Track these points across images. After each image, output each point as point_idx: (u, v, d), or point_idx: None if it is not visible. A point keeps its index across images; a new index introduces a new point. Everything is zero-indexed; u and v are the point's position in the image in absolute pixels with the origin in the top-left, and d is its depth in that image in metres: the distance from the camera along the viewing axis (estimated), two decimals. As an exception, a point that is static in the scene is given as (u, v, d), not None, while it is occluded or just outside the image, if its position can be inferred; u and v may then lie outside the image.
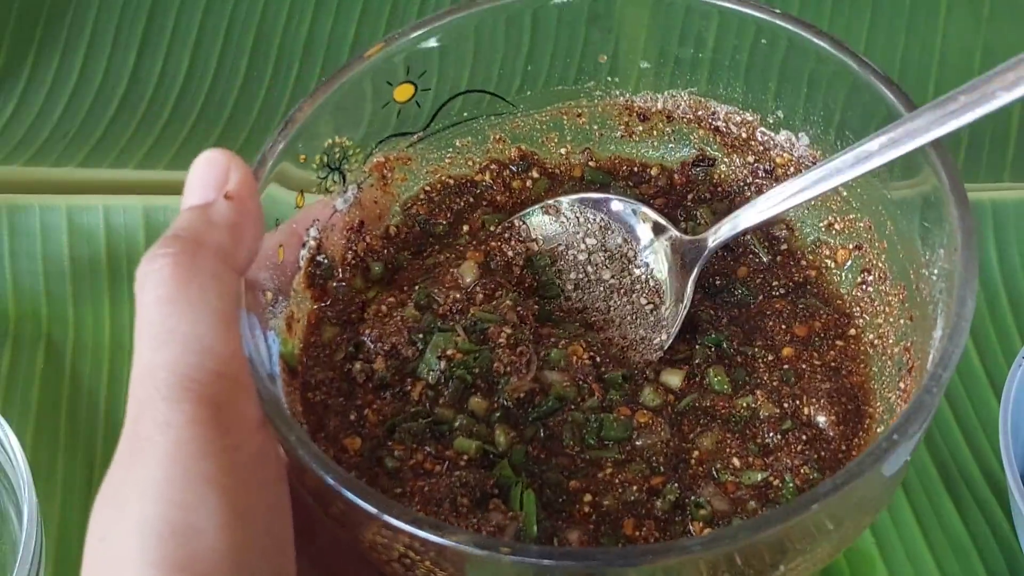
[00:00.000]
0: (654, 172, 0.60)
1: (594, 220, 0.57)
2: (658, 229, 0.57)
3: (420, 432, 0.50)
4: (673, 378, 0.53)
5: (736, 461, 0.50)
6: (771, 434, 0.51)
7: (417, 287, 0.55)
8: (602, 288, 0.57)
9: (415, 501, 0.48)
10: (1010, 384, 0.74)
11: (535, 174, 0.60)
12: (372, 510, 0.42)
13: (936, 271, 0.50)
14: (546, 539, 0.47)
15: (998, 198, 0.89)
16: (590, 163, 0.61)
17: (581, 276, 0.57)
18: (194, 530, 0.40)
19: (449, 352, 0.52)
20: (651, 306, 0.56)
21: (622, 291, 0.57)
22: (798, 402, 0.52)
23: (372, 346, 0.53)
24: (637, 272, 0.57)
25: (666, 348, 0.55)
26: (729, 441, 0.51)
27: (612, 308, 0.57)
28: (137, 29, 0.98)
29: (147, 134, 0.92)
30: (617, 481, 0.50)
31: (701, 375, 0.53)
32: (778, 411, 0.52)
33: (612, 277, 0.57)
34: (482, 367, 0.52)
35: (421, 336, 0.53)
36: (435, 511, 0.47)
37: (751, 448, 0.51)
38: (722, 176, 0.60)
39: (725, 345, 0.54)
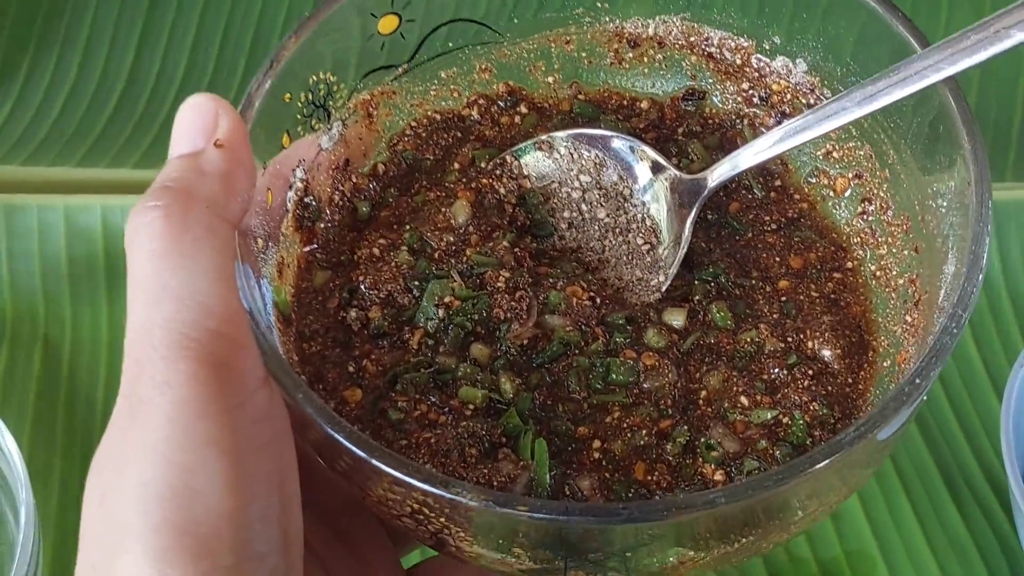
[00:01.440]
0: (644, 105, 0.59)
1: (589, 157, 0.56)
2: (656, 168, 0.55)
3: (423, 382, 0.49)
4: (676, 318, 0.52)
5: (744, 400, 0.49)
6: (777, 370, 0.50)
7: (408, 229, 0.53)
8: (597, 227, 0.55)
9: (422, 453, 0.47)
10: (1011, 384, 0.74)
11: (523, 109, 0.59)
12: (387, 469, 0.41)
13: (945, 204, 0.49)
14: (557, 487, 0.47)
15: (1000, 198, 0.88)
16: (579, 96, 0.59)
17: (575, 215, 0.56)
18: (196, 492, 0.39)
19: (447, 300, 0.51)
20: (648, 246, 0.55)
21: (618, 231, 0.55)
22: (801, 336, 0.51)
23: (367, 294, 0.52)
24: (633, 211, 0.55)
25: (664, 289, 0.54)
26: (736, 379, 0.50)
27: (608, 248, 0.55)
28: (135, 28, 0.97)
29: (145, 134, 0.92)
30: (625, 426, 0.49)
31: (703, 311, 0.52)
32: (782, 345, 0.51)
33: (607, 216, 0.56)
34: (481, 314, 0.51)
35: (417, 284, 0.52)
36: (443, 463, 0.46)
37: (758, 386, 0.50)
38: (714, 108, 0.59)
39: (723, 279, 0.53)
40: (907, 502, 0.78)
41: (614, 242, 0.55)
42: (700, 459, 0.48)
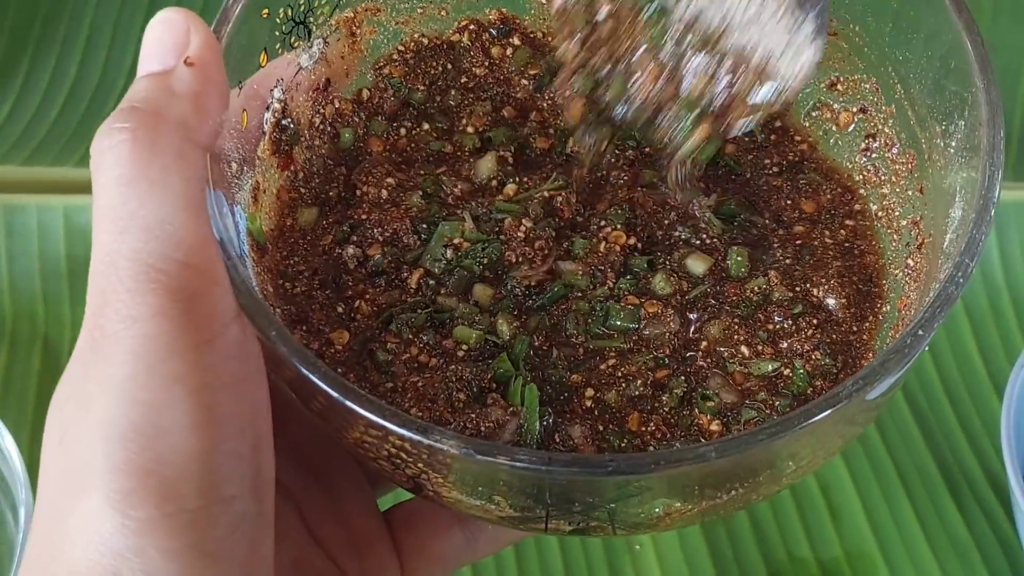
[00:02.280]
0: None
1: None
2: None
3: (419, 323, 0.47)
4: (699, 264, 0.50)
5: (745, 350, 0.48)
6: (781, 319, 0.48)
7: (424, 174, 0.51)
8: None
9: (408, 397, 0.45)
10: (1012, 384, 0.74)
11: (516, 40, 0.56)
12: (362, 411, 0.39)
13: (954, 144, 0.46)
14: (547, 435, 0.45)
15: (1000, 198, 0.88)
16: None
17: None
18: (161, 432, 0.37)
19: (456, 241, 0.49)
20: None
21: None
22: (809, 284, 0.49)
23: (371, 231, 0.50)
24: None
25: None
26: (738, 328, 0.48)
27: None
28: (134, 28, 0.97)
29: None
30: (620, 374, 0.47)
31: (723, 256, 0.50)
32: (790, 295, 0.49)
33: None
34: (491, 257, 0.49)
35: (425, 227, 0.50)
36: (429, 407, 0.45)
37: (760, 335, 0.48)
38: None
39: (740, 219, 0.51)
40: (908, 502, 0.78)
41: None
42: (696, 410, 0.47)
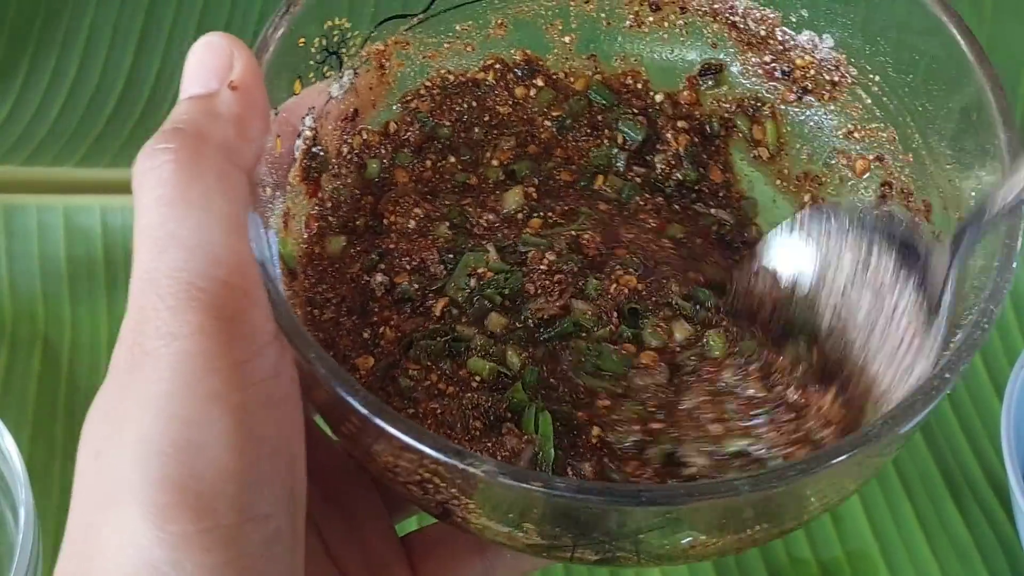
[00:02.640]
0: (658, 99, 0.57)
1: None
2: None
3: (438, 350, 0.48)
4: (680, 331, 0.50)
5: (716, 427, 0.48)
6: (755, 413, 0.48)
7: (450, 205, 0.52)
8: None
9: (428, 423, 0.46)
10: (1012, 385, 0.74)
11: (539, 82, 0.57)
12: (399, 435, 0.39)
13: (973, 192, 0.47)
14: (559, 467, 0.46)
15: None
16: (596, 75, 0.58)
17: None
18: (199, 448, 0.37)
19: (480, 270, 0.50)
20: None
21: None
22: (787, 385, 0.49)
23: (399, 260, 0.50)
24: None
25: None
26: (708, 405, 0.48)
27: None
28: (135, 27, 0.97)
29: (145, 133, 0.91)
30: (614, 418, 0.47)
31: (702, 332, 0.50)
32: (762, 394, 0.49)
33: None
34: (512, 287, 0.50)
35: (451, 256, 0.51)
36: (447, 434, 0.45)
37: (731, 413, 0.48)
38: (734, 87, 0.57)
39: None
40: (908, 503, 0.78)
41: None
42: (683, 469, 0.47)
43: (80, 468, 0.40)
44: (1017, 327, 0.85)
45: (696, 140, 0.56)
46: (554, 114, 0.57)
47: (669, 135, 0.56)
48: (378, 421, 0.40)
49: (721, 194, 0.56)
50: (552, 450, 0.45)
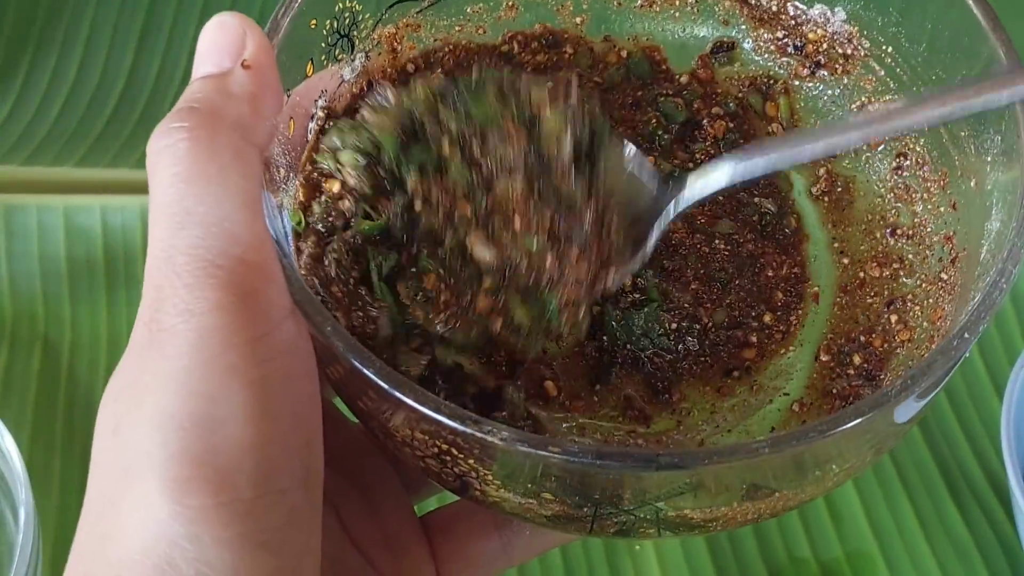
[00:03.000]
0: (684, 80, 0.57)
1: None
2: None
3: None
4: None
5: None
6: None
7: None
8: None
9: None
10: (1012, 384, 0.74)
11: (569, 49, 0.56)
12: (416, 405, 0.39)
13: (990, 158, 0.47)
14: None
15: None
16: (621, 50, 0.57)
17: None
18: (217, 422, 0.37)
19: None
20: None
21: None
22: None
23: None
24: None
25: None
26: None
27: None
28: (135, 28, 0.97)
29: (145, 133, 0.91)
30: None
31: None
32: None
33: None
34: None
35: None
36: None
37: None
38: (747, 61, 0.56)
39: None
40: (908, 502, 0.78)
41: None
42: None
43: (98, 445, 0.40)
44: (1017, 327, 0.85)
45: (731, 126, 0.55)
46: (595, 79, 0.56)
47: (705, 121, 0.56)
48: (395, 392, 0.40)
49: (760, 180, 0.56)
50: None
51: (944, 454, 0.80)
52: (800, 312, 0.52)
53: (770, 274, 0.53)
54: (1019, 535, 0.75)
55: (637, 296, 0.51)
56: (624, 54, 0.57)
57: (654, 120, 0.56)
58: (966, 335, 0.42)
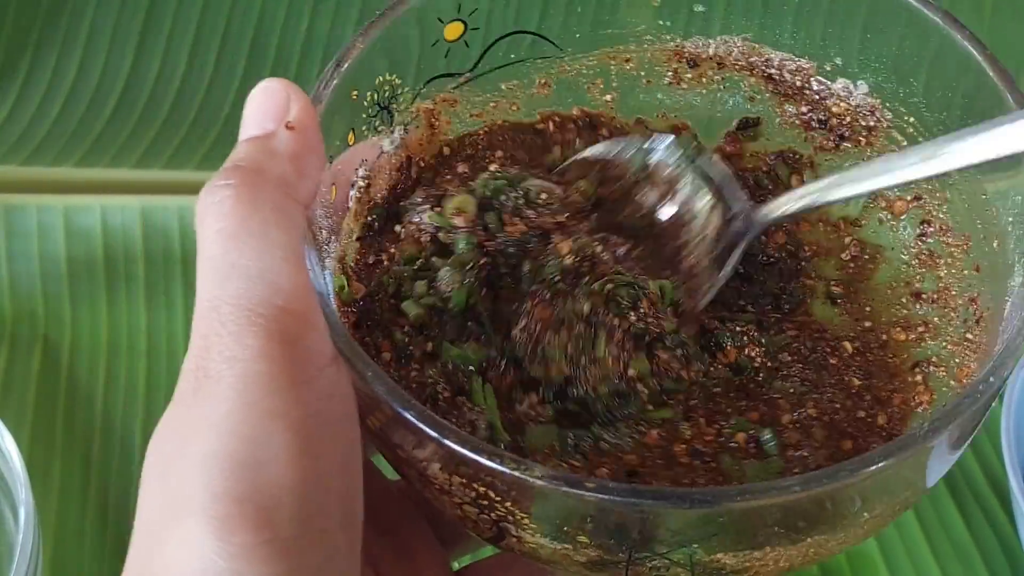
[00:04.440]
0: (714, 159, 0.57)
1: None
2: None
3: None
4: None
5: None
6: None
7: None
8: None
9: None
10: (1012, 385, 0.74)
11: (604, 132, 0.58)
12: (454, 446, 0.40)
13: (1011, 218, 0.48)
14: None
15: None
16: (652, 132, 0.58)
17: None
18: (260, 464, 0.38)
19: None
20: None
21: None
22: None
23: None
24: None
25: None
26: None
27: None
28: (135, 28, 0.97)
29: (145, 133, 0.92)
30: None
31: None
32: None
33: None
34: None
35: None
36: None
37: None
38: (773, 135, 0.57)
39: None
40: (908, 503, 0.78)
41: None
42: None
43: (145, 487, 0.41)
44: (1017, 327, 0.85)
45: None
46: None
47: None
48: (434, 433, 0.41)
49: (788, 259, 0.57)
50: (497, 419, 0.46)
51: (944, 454, 0.80)
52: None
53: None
54: (1019, 535, 0.75)
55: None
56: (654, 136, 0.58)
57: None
58: (991, 379, 0.42)
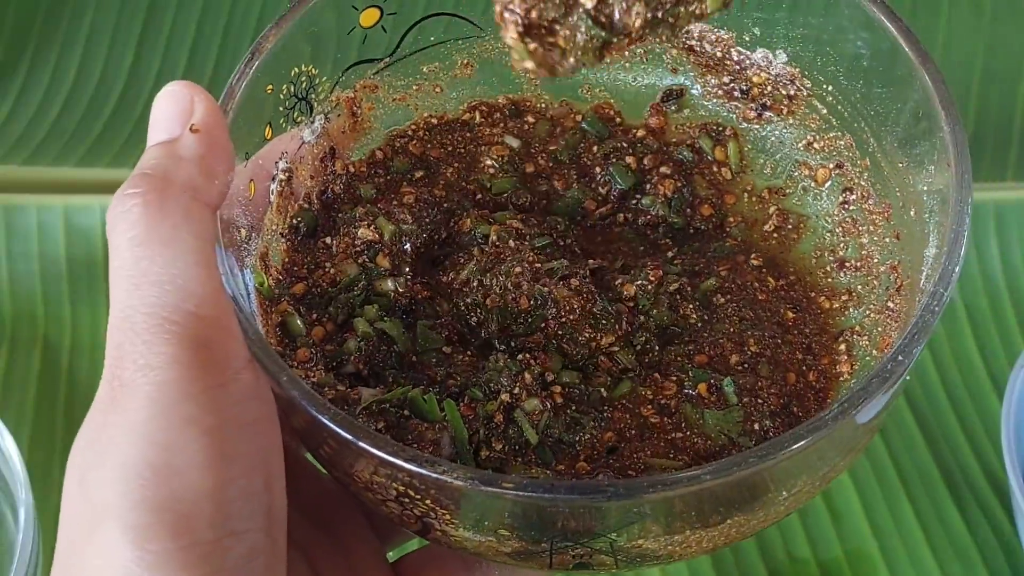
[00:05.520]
0: (640, 134, 0.58)
1: None
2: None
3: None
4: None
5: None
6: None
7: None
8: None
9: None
10: (1012, 384, 0.74)
11: (530, 119, 0.58)
12: (374, 450, 0.41)
13: (926, 187, 0.49)
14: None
15: (1000, 198, 0.88)
16: (576, 115, 0.59)
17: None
18: (175, 471, 0.39)
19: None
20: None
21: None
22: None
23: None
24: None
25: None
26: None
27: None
28: (135, 28, 0.97)
29: (145, 133, 0.91)
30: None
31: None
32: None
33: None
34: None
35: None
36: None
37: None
38: (697, 106, 0.58)
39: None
40: (907, 502, 0.78)
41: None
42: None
43: (66, 497, 0.41)
44: (1018, 327, 0.85)
45: (680, 184, 0.57)
46: (551, 148, 0.58)
47: (655, 180, 0.57)
48: (350, 437, 0.41)
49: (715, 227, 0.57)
50: (464, 431, 0.46)
51: (944, 454, 0.80)
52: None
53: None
54: (1019, 535, 0.75)
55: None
56: (579, 118, 0.59)
57: (604, 187, 0.57)
58: (900, 358, 0.43)
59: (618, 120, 0.59)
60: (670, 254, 0.54)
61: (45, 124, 0.93)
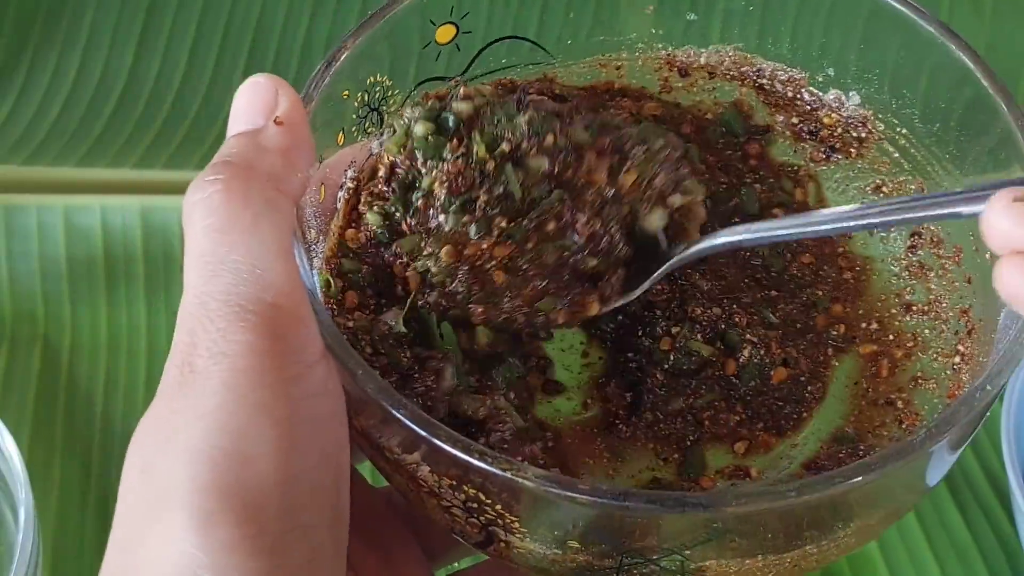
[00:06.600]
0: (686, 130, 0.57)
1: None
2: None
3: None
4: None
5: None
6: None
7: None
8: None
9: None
10: (1012, 384, 0.74)
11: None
12: (458, 453, 0.40)
13: None
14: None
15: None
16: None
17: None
18: (246, 458, 0.38)
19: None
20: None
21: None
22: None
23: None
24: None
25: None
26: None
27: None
28: (135, 28, 0.97)
29: (145, 133, 0.92)
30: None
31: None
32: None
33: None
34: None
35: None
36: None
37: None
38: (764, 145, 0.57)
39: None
40: (908, 503, 0.78)
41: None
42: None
43: (125, 483, 0.40)
44: (1017, 327, 0.85)
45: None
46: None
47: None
48: (425, 433, 0.40)
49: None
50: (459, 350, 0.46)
51: (944, 454, 0.80)
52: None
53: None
54: (1019, 535, 0.75)
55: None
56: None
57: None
58: (988, 387, 0.42)
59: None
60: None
61: (45, 124, 0.92)
